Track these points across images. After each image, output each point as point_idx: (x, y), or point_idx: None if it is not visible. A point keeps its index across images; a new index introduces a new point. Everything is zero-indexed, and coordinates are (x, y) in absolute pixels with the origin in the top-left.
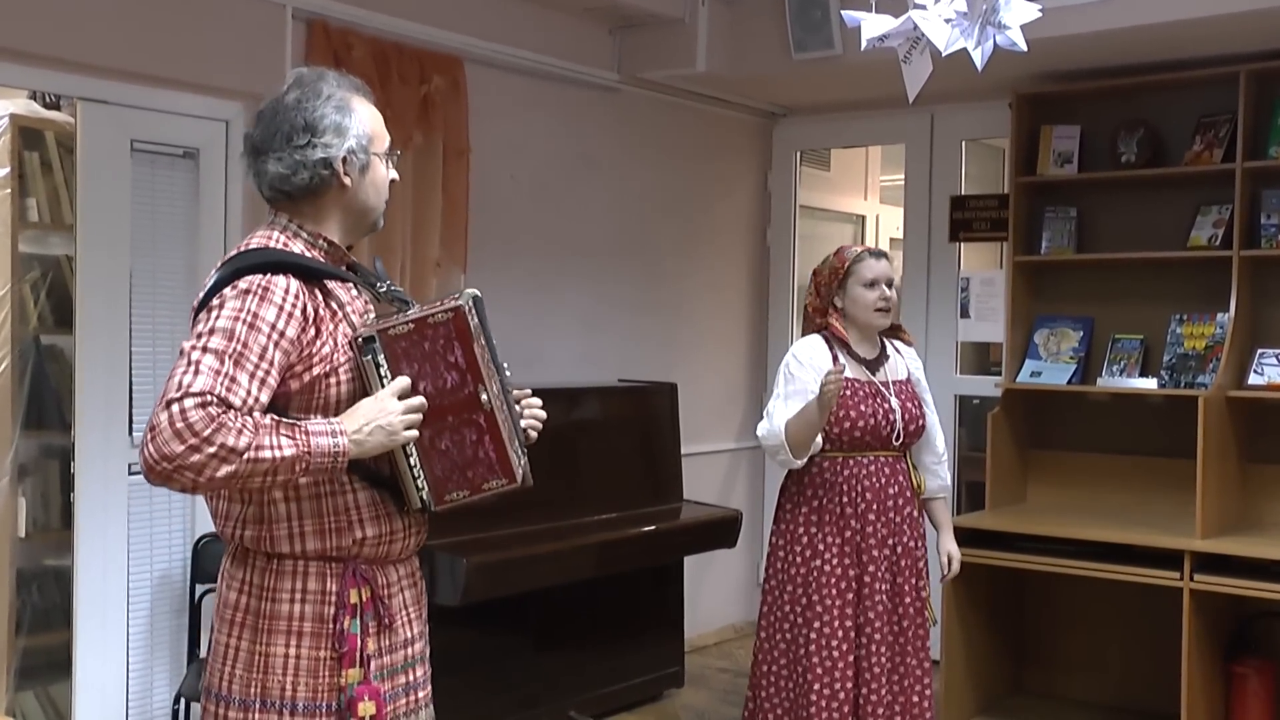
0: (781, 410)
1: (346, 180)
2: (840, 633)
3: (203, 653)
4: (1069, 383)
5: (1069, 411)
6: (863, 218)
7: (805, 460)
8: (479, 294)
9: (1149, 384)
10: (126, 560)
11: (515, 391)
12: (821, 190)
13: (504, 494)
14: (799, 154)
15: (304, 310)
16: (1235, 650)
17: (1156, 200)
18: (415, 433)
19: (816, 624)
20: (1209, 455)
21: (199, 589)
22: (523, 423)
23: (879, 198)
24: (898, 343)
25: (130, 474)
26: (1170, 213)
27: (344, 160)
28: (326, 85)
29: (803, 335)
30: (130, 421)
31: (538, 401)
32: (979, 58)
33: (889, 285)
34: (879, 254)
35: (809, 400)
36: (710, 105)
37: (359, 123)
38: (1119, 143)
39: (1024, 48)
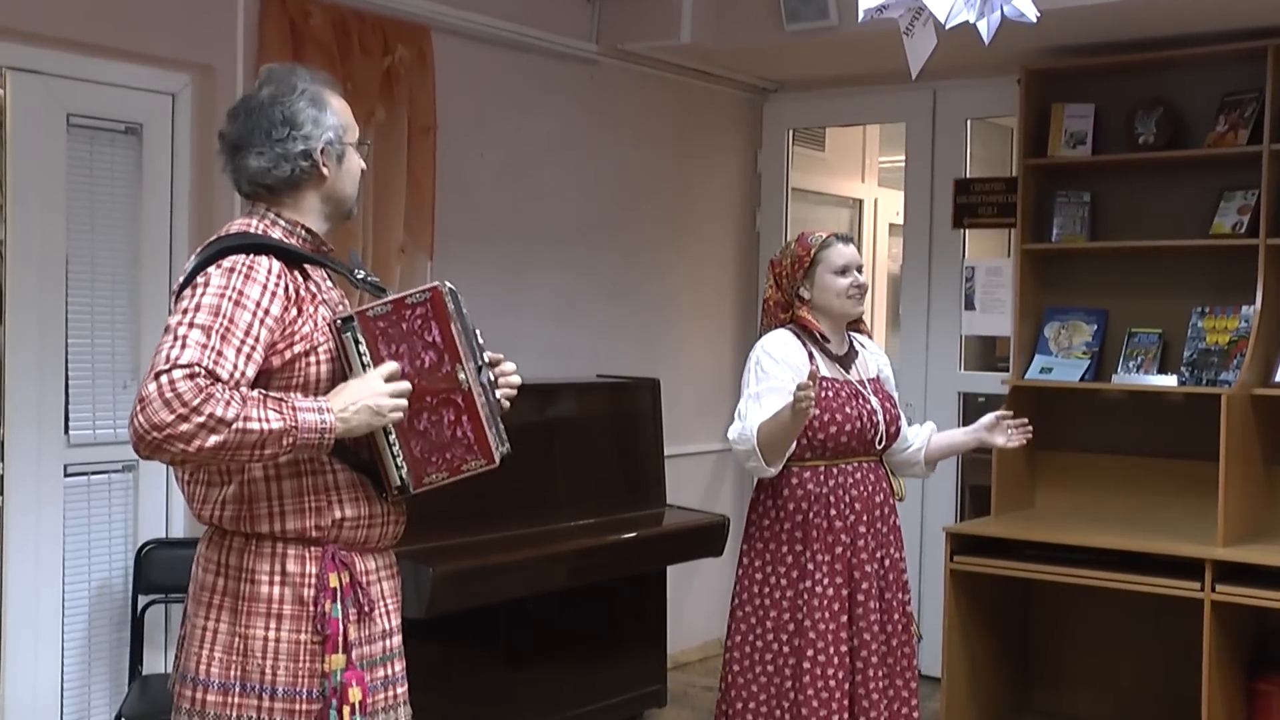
0: (755, 411)
1: (325, 171)
2: (836, 659)
3: (145, 669)
4: (1081, 380)
5: (1081, 410)
6: (860, 202)
7: (779, 469)
8: (454, 287)
9: (1168, 381)
10: (61, 569)
11: (490, 355)
12: (815, 172)
13: (482, 474)
14: (791, 133)
15: (286, 289)
16: (1259, 666)
17: (1176, 184)
18: (400, 414)
19: (810, 652)
20: (1232, 457)
21: (142, 600)
22: (498, 393)
23: (877, 180)
24: (860, 337)
25: (66, 475)
26: (1191, 198)
27: (322, 151)
28: (299, 80)
29: (763, 331)
30: (66, 418)
31: (512, 366)
32: (985, 30)
33: (859, 271)
34: (846, 238)
35: (786, 403)
36: (696, 79)
37: (333, 114)
38: (1136, 122)
39: (1033, 19)
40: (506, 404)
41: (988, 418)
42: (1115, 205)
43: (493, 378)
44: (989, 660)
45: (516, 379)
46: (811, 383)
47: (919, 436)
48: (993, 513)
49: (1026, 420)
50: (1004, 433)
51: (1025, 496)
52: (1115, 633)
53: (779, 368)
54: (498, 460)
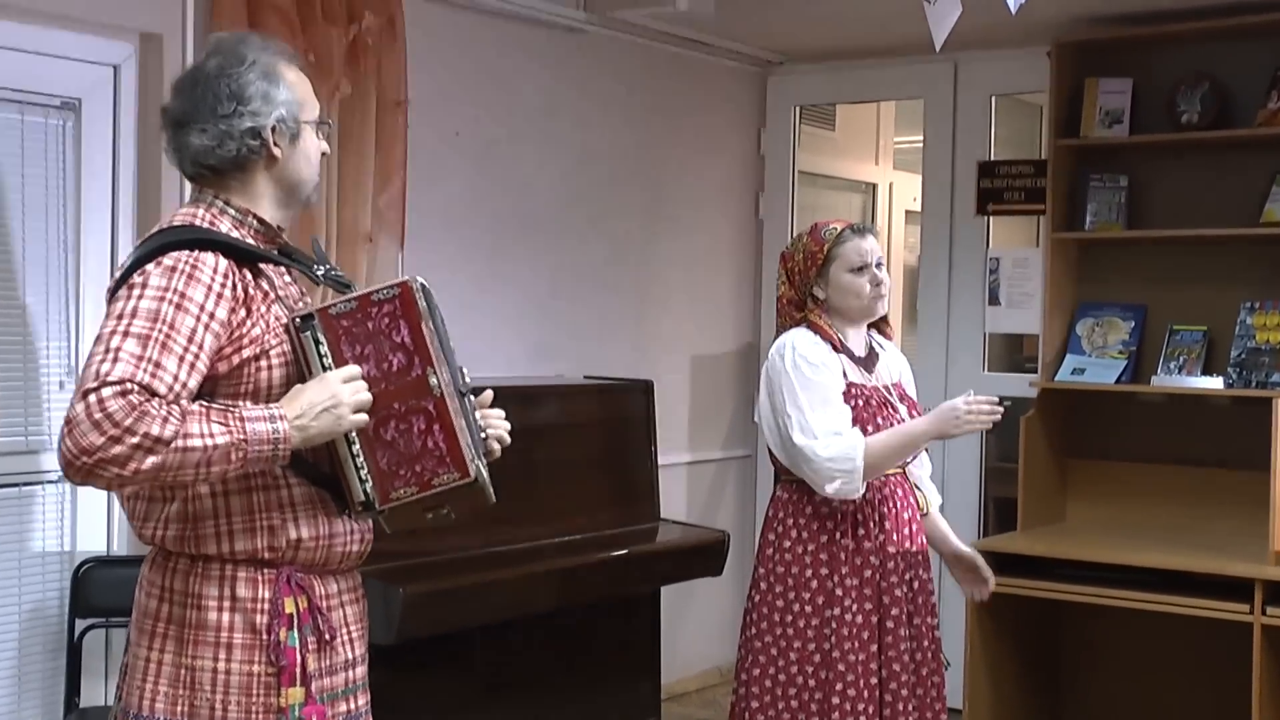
0: (823, 422)
1: (276, 151)
2: (866, 693)
3: (83, 702)
4: (1118, 381)
5: (1117, 415)
6: (873, 186)
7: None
8: (426, 283)
9: (1213, 383)
10: None
11: (477, 399)
12: (825, 153)
13: (460, 497)
14: (798, 110)
15: (234, 289)
16: None
17: (1223, 167)
18: (364, 417)
19: (839, 685)
20: None
21: (80, 624)
22: (486, 433)
23: (892, 163)
24: (879, 337)
25: None
26: (1240, 182)
27: (273, 129)
28: (250, 50)
29: (780, 330)
30: None
31: (500, 412)
32: None
33: (880, 266)
34: (862, 230)
35: (919, 419)
36: (694, 51)
37: (287, 89)
38: (1179, 99)
39: None
40: (497, 449)
41: (978, 563)
42: (1155, 190)
43: (480, 419)
44: (1015, 689)
45: (506, 425)
46: (994, 399)
47: (931, 497)
48: (1019, 528)
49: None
50: (975, 586)
51: (1055, 510)
52: (1155, 659)
53: (821, 371)
54: (472, 474)
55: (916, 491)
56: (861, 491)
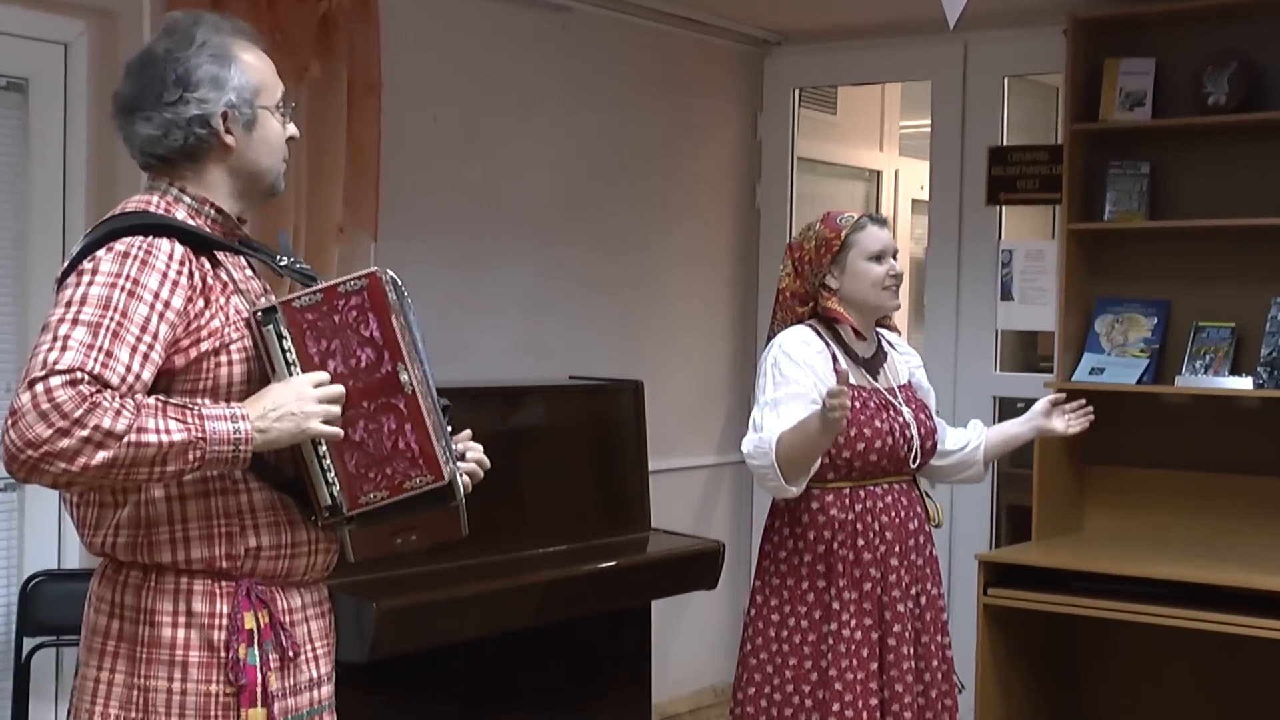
0: (772, 421)
1: (229, 140)
2: (865, 714)
3: None
4: (1139, 382)
5: (1138, 418)
6: (878, 174)
7: (801, 488)
8: (396, 276)
9: (1242, 384)
10: None
11: (458, 434)
12: (826, 139)
13: (431, 512)
14: (797, 93)
15: (191, 278)
16: None
17: (1253, 153)
18: (334, 429)
19: (836, 705)
20: None
21: (28, 643)
22: (463, 465)
23: (898, 149)
24: (888, 334)
25: None
26: (1271, 169)
27: (224, 116)
28: (201, 31)
29: (775, 327)
30: None
31: (479, 447)
32: None
33: (894, 257)
34: (880, 220)
35: (812, 412)
36: (686, 30)
37: (241, 73)
38: (1205, 80)
39: None
40: (468, 482)
41: (1041, 404)
42: (1179, 178)
43: (460, 449)
44: (1030, 710)
45: (485, 461)
46: (844, 387)
47: (973, 434)
48: (1034, 538)
49: (1085, 401)
50: (1063, 418)
51: (1072, 519)
52: (1179, 680)
53: (800, 371)
54: (446, 477)
55: (926, 501)
56: (794, 490)
